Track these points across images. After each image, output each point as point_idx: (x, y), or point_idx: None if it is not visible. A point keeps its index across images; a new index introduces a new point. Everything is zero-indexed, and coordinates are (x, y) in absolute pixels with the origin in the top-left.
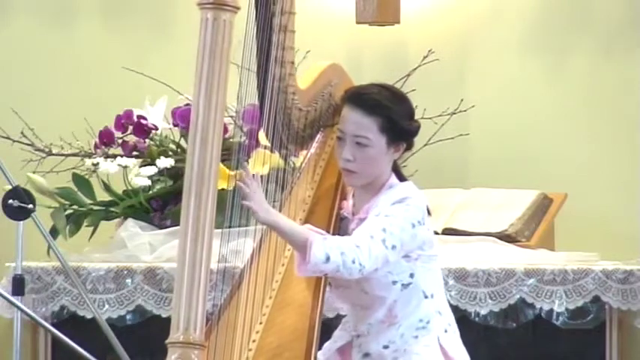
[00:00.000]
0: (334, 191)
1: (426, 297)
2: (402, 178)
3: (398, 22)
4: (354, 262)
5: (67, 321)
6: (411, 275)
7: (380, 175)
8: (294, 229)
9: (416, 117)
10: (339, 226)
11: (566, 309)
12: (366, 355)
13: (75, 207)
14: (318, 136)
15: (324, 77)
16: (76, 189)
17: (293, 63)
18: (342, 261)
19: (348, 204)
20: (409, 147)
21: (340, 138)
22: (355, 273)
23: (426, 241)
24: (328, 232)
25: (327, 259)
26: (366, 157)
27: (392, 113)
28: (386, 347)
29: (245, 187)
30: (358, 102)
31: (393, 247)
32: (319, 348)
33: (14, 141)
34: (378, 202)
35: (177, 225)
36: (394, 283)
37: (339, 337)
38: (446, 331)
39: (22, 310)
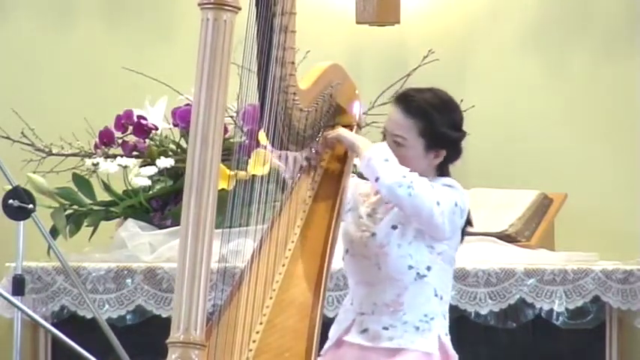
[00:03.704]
0: (335, 192)
1: (436, 295)
2: None
3: (398, 22)
4: (405, 177)
5: (67, 321)
6: (428, 268)
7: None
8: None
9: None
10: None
11: (566, 309)
12: (365, 330)
13: (75, 207)
14: (319, 137)
15: (325, 78)
16: (76, 189)
17: (294, 63)
18: (396, 171)
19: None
20: (456, 154)
21: (383, 134)
22: (404, 190)
23: (456, 235)
24: (328, 234)
25: (386, 160)
26: (402, 156)
27: (433, 119)
28: (385, 329)
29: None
30: (403, 103)
31: (438, 202)
32: (319, 348)
33: (14, 141)
34: None
35: (178, 225)
36: (410, 268)
37: (343, 319)
38: (446, 334)
39: (22, 310)
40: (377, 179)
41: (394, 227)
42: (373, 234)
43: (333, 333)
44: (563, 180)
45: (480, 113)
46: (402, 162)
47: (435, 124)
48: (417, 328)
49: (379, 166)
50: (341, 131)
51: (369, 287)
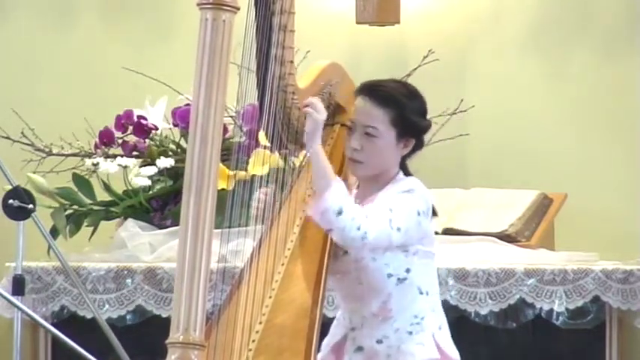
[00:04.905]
0: None
1: (421, 293)
2: (408, 174)
3: (398, 22)
4: (359, 229)
5: (67, 321)
6: (407, 270)
7: (387, 170)
8: (328, 168)
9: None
10: None
11: (566, 309)
12: (359, 348)
13: (75, 207)
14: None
15: (323, 76)
16: (76, 189)
17: (292, 62)
18: (349, 224)
19: (351, 194)
20: (419, 145)
21: (350, 128)
22: (358, 242)
23: (427, 235)
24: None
25: (340, 212)
26: (374, 148)
27: (404, 108)
28: (379, 342)
29: (312, 108)
30: (372, 93)
31: (399, 229)
32: (319, 348)
33: (14, 141)
34: (383, 193)
35: (177, 225)
36: (389, 276)
37: (335, 333)
38: (440, 329)
39: (22, 310)
40: (330, 230)
41: None
42: (345, 252)
43: (325, 344)
44: (563, 180)
45: (480, 113)
46: (373, 153)
47: (405, 113)
48: (410, 333)
49: (333, 219)
50: (314, 116)
51: (354, 301)
